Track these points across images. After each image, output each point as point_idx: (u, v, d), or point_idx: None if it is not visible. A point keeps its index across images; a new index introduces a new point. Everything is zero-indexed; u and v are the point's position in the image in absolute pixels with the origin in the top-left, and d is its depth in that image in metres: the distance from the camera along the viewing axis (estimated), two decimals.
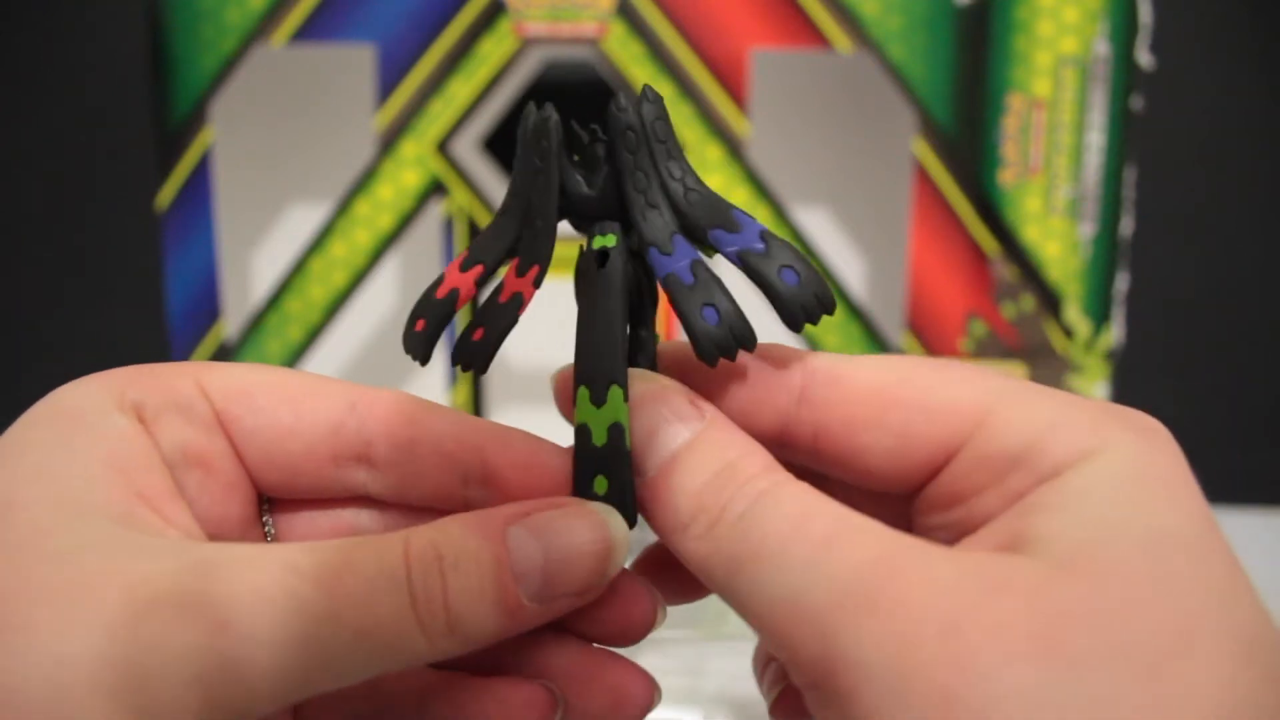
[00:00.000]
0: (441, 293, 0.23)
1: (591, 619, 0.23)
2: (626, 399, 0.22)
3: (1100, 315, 0.53)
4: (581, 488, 0.23)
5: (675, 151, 0.22)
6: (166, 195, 0.54)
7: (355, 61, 0.55)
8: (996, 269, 0.53)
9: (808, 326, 0.22)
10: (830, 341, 0.53)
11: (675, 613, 0.25)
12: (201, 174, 0.54)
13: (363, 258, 0.55)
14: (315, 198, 0.57)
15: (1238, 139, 0.62)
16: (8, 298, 0.65)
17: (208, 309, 0.55)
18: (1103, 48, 0.51)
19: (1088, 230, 0.52)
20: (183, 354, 0.56)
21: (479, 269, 0.23)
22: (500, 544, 0.21)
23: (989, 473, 0.20)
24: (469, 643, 0.21)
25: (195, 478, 0.23)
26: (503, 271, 0.23)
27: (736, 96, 0.52)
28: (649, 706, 0.23)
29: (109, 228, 0.64)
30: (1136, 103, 0.51)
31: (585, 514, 0.22)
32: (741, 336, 0.22)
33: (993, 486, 0.20)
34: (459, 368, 0.23)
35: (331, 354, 0.59)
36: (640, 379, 0.23)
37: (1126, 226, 0.52)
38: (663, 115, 0.22)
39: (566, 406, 0.24)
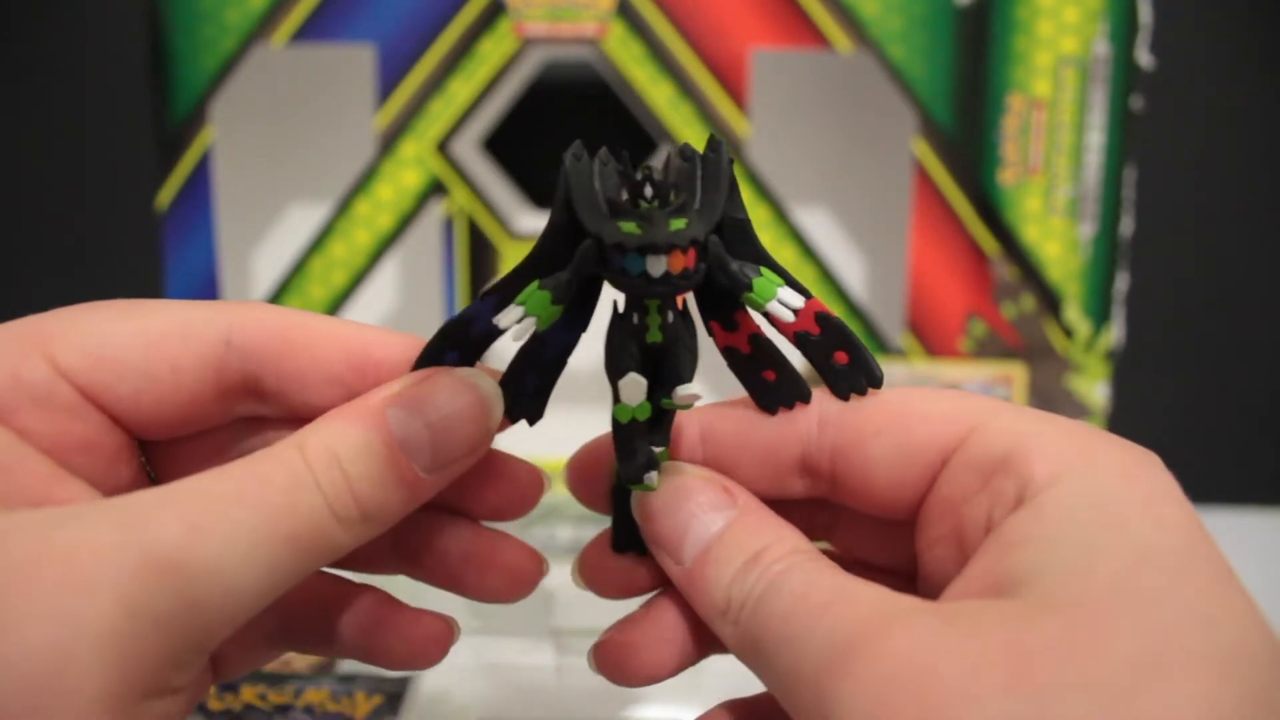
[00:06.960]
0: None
1: (480, 498, 0.25)
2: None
3: (1100, 315, 0.53)
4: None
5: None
6: (166, 195, 0.54)
7: (355, 61, 0.55)
8: (996, 269, 0.53)
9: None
10: None
11: None
12: (201, 174, 0.54)
13: (363, 258, 0.55)
14: (315, 198, 0.57)
15: (1238, 139, 0.62)
16: (8, 297, 0.65)
17: None
18: (1103, 48, 0.51)
19: (1088, 230, 0.52)
20: None
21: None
22: (385, 428, 0.22)
23: (977, 476, 0.22)
24: (383, 524, 0.22)
25: (77, 459, 0.22)
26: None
27: (736, 96, 0.52)
28: (539, 578, 0.26)
29: (109, 228, 0.64)
30: (1136, 103, 0.51)
31: (453, 380, 0.23)
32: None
33: (981, 490, 0.22)
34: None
35: None
36: (674, 472, 0.24)
37: (1126, 226, 0.52)
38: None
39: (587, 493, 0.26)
